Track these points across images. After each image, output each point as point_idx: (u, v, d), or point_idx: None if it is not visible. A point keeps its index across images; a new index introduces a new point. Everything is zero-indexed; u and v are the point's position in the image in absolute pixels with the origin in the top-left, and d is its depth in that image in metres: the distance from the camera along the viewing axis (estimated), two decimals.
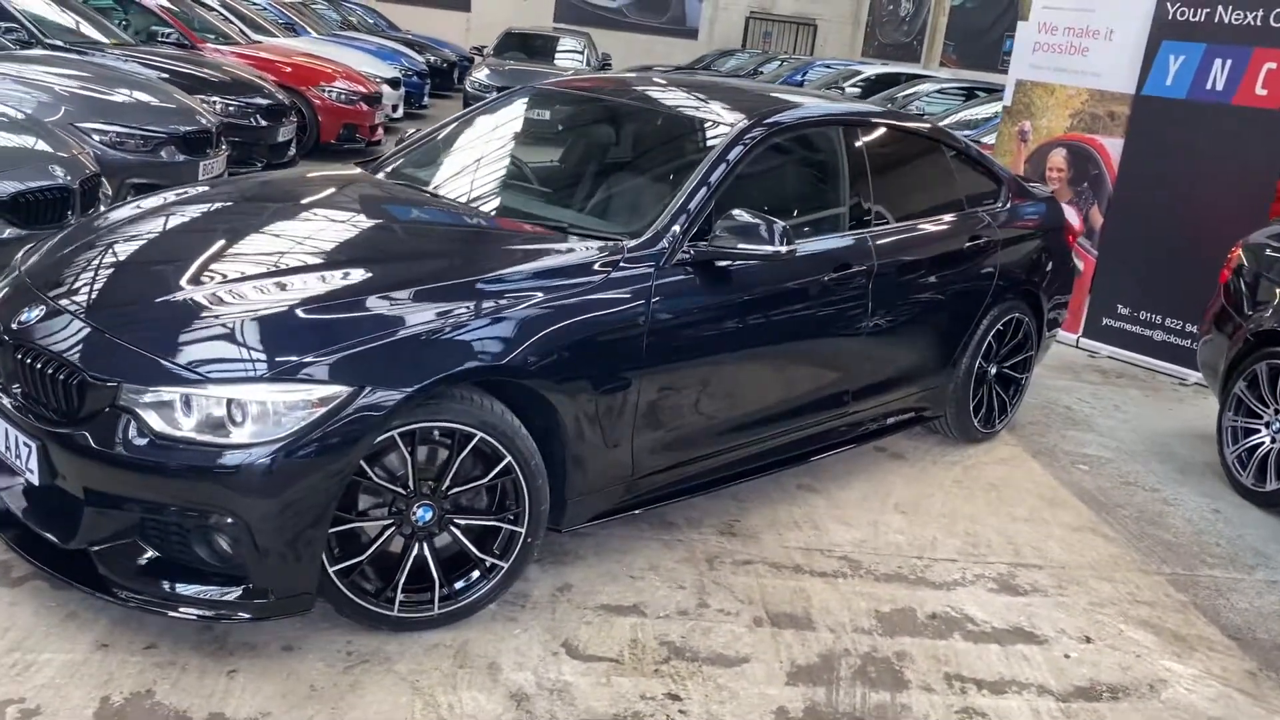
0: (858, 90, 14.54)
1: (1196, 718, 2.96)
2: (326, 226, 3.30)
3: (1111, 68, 6.53)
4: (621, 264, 3.14)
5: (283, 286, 2.77)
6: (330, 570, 2.65)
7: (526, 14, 23.98)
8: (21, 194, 4.35)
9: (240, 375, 2.50)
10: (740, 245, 3.24)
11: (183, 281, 2.81)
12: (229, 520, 2.48)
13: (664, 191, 3.45)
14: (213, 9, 11.72)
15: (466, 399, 2.76)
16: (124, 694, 2.48)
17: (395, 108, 12.46)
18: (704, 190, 3.40)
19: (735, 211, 3.29)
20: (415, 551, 2.78)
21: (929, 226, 4.30)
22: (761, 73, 19.18)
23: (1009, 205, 4.74)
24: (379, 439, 2.61)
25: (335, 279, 2.83)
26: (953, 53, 23.05)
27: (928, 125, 4.78)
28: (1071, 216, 6.57)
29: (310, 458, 2.48)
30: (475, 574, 2.89)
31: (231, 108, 8.10)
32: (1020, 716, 2.86)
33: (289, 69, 10.20)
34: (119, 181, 5.77)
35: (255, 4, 14.04)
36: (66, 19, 8.25)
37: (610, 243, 3.22)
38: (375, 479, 2.68)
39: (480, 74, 13.38)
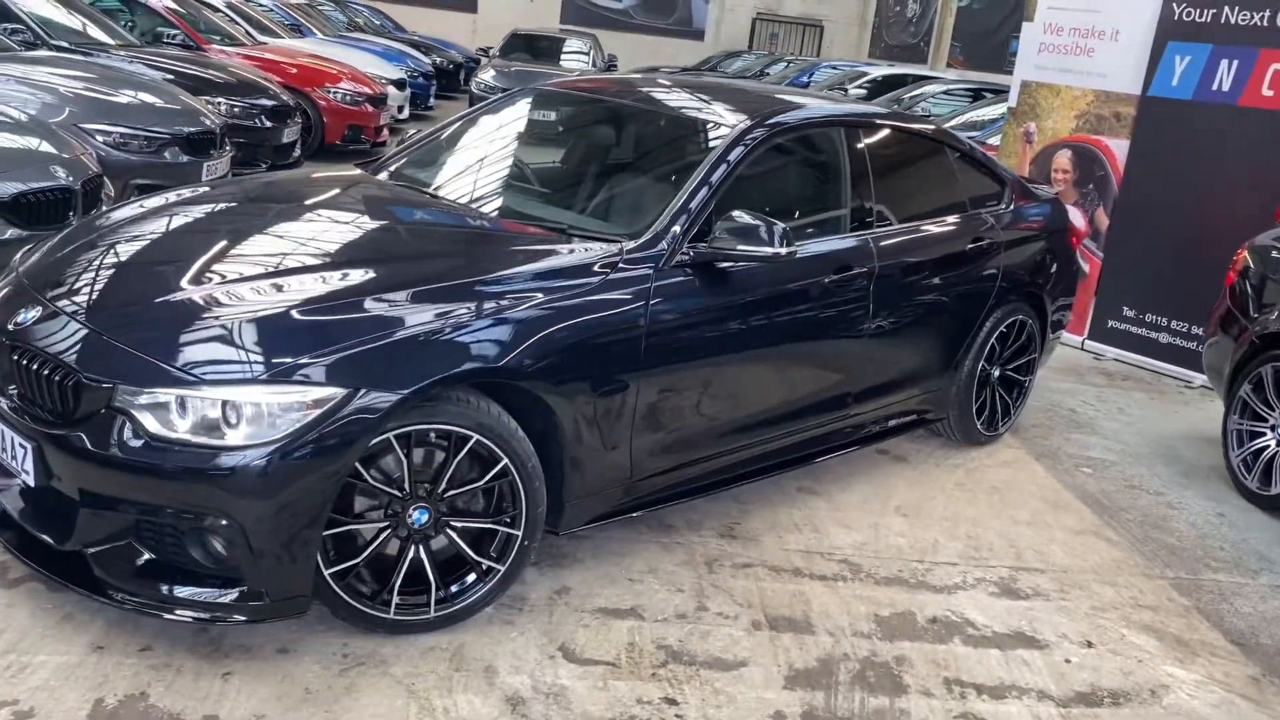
0: (863, 91, 14.50)
1: None
2: (324, 228, 3.30)
3: (1117, 68, 6.49)
4: (620, 265, 3.12)
5: (279, 288, 2.77)
6: (326, 573, 2.64)
7: (533, 15, 23.99)
8: (23, 194, 4.36)
9: (235, 377, 2.49)
10: (740, 247, 3.22)
11: (179, 283, 2.80)
12: (224, 522, 2.47)
13: (664, 193, 3.44)
14: (218, 10, 11.74)
15: (463, 401, 2.75)
16: (118, 696, 2.48)
17: (401, 109, 12.46)
18: (705, 190, 3.39)
19: (735, 213, 3.27)
20: (411, 554, 2.77)
21: (931, 228, 4.28)
22: (768, 74, 19.15)
23: (1012, 207, 4.72)
24: (375, 441, 2.60)
25: (332, 280, 2.82)
26: (959, 54, 22.99)
27: (931, 126, 4.76)
28: (1077, 218, 6.54)
29: (305, 460, 2.48)
30: (472, 577, 2.88)
31: (236, 109, 8.10)
32: None
33: (294, 70, 10.20)
34: (123, 182, 5.77)
35: (261, 5, 14.06)
36: (72, 20, 8.26)
37: (609, 244, 3.20)
38: (371, 481, 2.67)
39: (486, 75, 13.38)
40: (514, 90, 4.56)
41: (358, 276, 2.87)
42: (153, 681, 2.54)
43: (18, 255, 3.25)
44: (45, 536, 2.64)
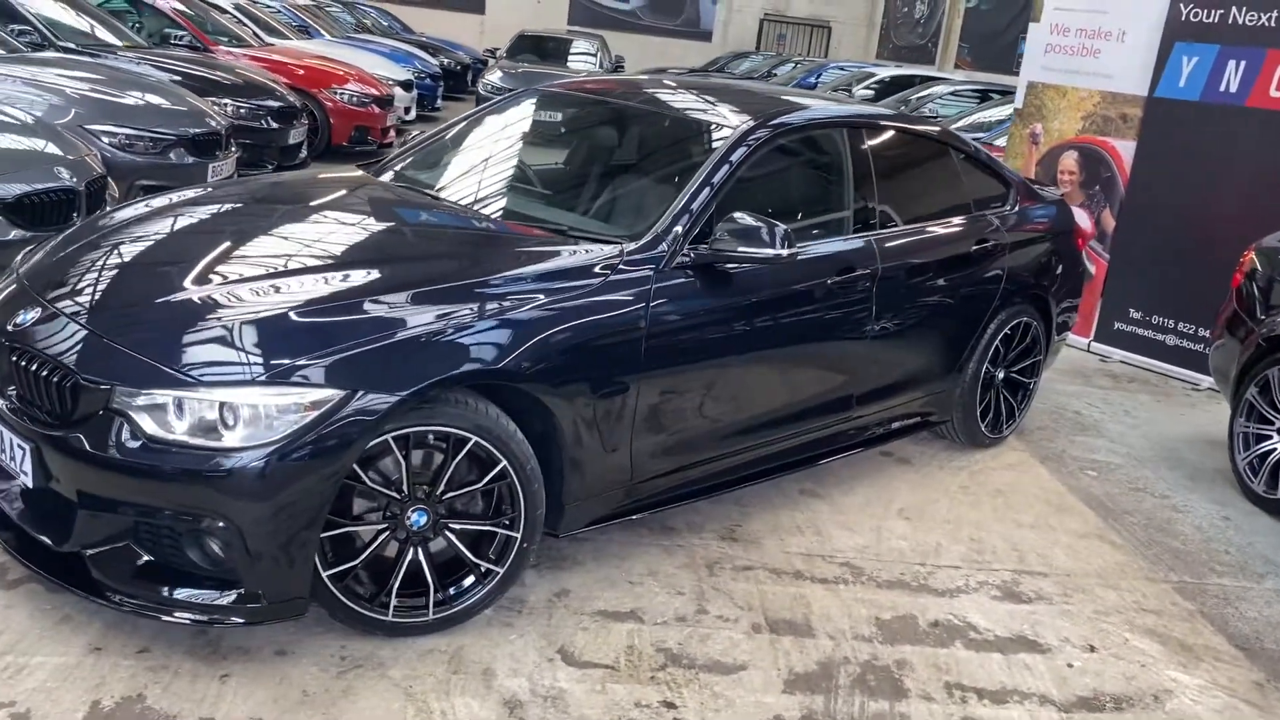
0: (871, 92, 14.47)
1: None
2: (324, 229, 3.29)
3: (1124, 69, 6.47)
4: (620, 267, 3.11)
5: (277, 289, 2.76)
6: (324, 575, 2.64)
7: (541, 16, 24.00)
8: (27, 195, 4.37)
9: (233, 378, 2.49)
10: (741, 248, 3.21)
11: (177, 284, 2.80)
12: (221, 524, 2.47)
13: (664, 194, 3.43)
14: (226, 12, 11.77)
15: (461, 403, 2.74)
16: (115, 698, 2.48)
17: (408, 110, 12.48)
18: (707, 191, 3.38)
19: (736, 214, 3.26)
20: (410, 556, 2.77)
21: (935, 229, 4.26)
22: (775, 75, 19.13)
23: (1017, 208, 4.70)
24: (373, 443, 2.60)
25: (330, 282, 2.82)
26: (967, 55, 22.95)
27: (935, 128, 4.75)
28: (1083, 220, 6.52)
29: (303, 461, 2.47)
30: (470, 579, 2.87)
31: (242, 110, 8.12)
32: None
33: (301, 71, 10.22)
34: (128, 184, 5.79)
35: (269, 7, 14.09)
36: (79, 22, 8.29)
37: (610, 246, 3.19)
38: (369, 483, 2.67)
39: (493, 76, 13.38)
40: (516, 91, 4.55)
41: (356, 278, 2.87)
42: (150, 683, 2.54)
43: (19, 256, 3.26)
44: (44, 538, 2.64)
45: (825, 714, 2.76)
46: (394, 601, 2.76)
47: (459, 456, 2.74)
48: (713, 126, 3.73)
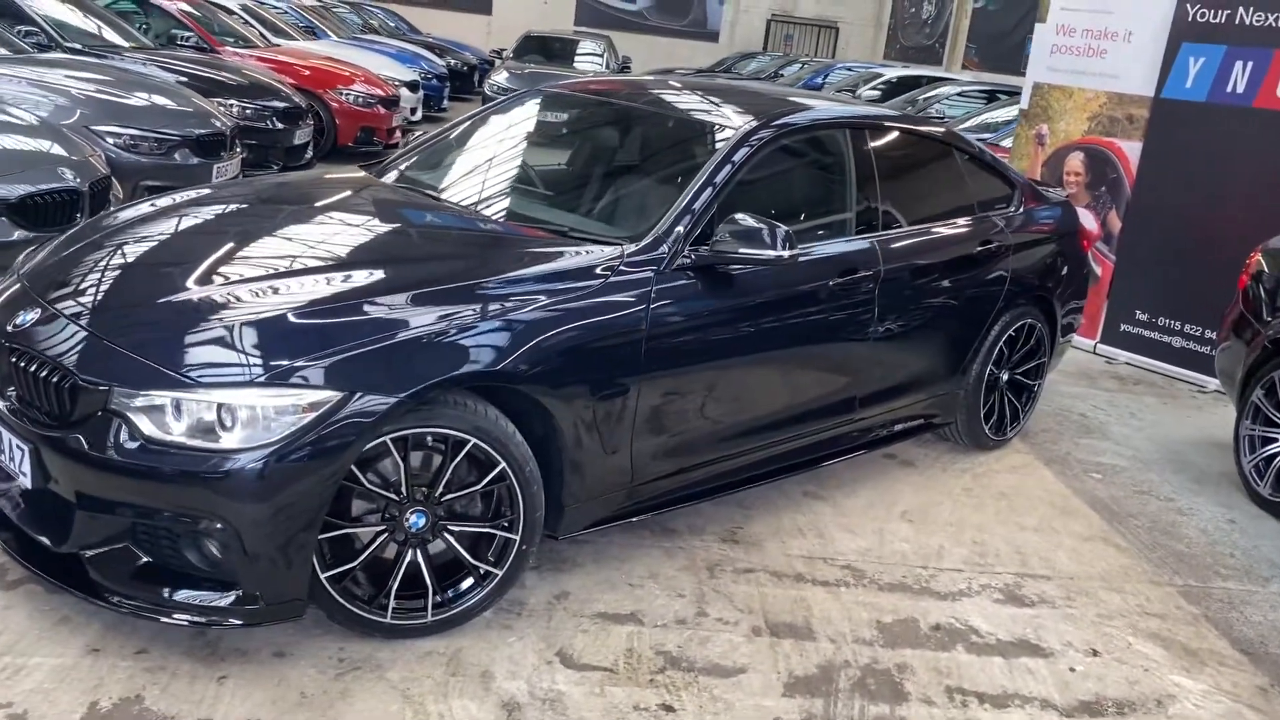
0: (878, 93, 14.44)
1: None
2: (324, 230, 3.29)
3: (1130, 70, 6.44)
4: (621, 268, 3.10)
5: (275, 290, 2.76)
6: (322, 576, 2.63)
7: (547, 17, 24.02)
8: (30, 196, 4.38)
9: (230, 379, 2.49)
10: (742, 249, 3.20)
11: (176, 285, 2.80)
12: (218, 525, 2.46)
13: (666, 195, 3.42)
14: (233, 13, 11.79)
15: (460, 404, 2.74)
16: (112, 699, 2.47)
17: (414, 111, 12.50)
18: (708, 191, 3.37)
19: (738, 215, 3.24)
20: (408, 558, 2.76)
21: (938, 231, 4.25)
22: (782, 75, 19.11)
23: (1022, 210, 4.68)
24: (371, 444, 2.59)
25: (328, 283, 2.81)
26: (975, 55, 22.89)
27: (939, 129, 4.73)
28: (1089, 221, 6.50)
29: (301, 463, 2.47)
30: (469, 581, 2.87)
31: (248, 111, 8.14)
32: None
33: (307, 72, 10.25)
34: (132, 184, 5.80)
35: (275, 8, 14.12)
36: (86, 23, 8.31)
37: (611, 247, 3.19)
38: (368, 485, 2.66)
39: (499, 77, 13.39)
40: (519, 92, 4.54)
41: (355, 279, 2.86)
42: (148, 684, 2.54)
43: (21, 256, 3.27)
44: (43, 538, 2.64)
45: (825, 717, 2.74)
46: (392, 603, 2.75)
47: (458, 458, 2.74)
48: (715, 127, 3.72)
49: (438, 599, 2.81)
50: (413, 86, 12.54)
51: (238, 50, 10.34)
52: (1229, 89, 5.92)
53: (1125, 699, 3.00)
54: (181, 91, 7.01)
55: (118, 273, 2.96)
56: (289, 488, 2.47)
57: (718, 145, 3.58)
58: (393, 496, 2.71)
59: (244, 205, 3.58)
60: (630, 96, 4.15)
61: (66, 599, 2.75)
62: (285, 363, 2.52)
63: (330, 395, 2.50)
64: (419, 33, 20.21)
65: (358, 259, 3.07)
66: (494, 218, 3.57)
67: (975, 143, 4.87)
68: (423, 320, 2.70)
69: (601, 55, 15.26)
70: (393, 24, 19.88)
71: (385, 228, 3.44)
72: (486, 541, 2.89)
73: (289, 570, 2.54)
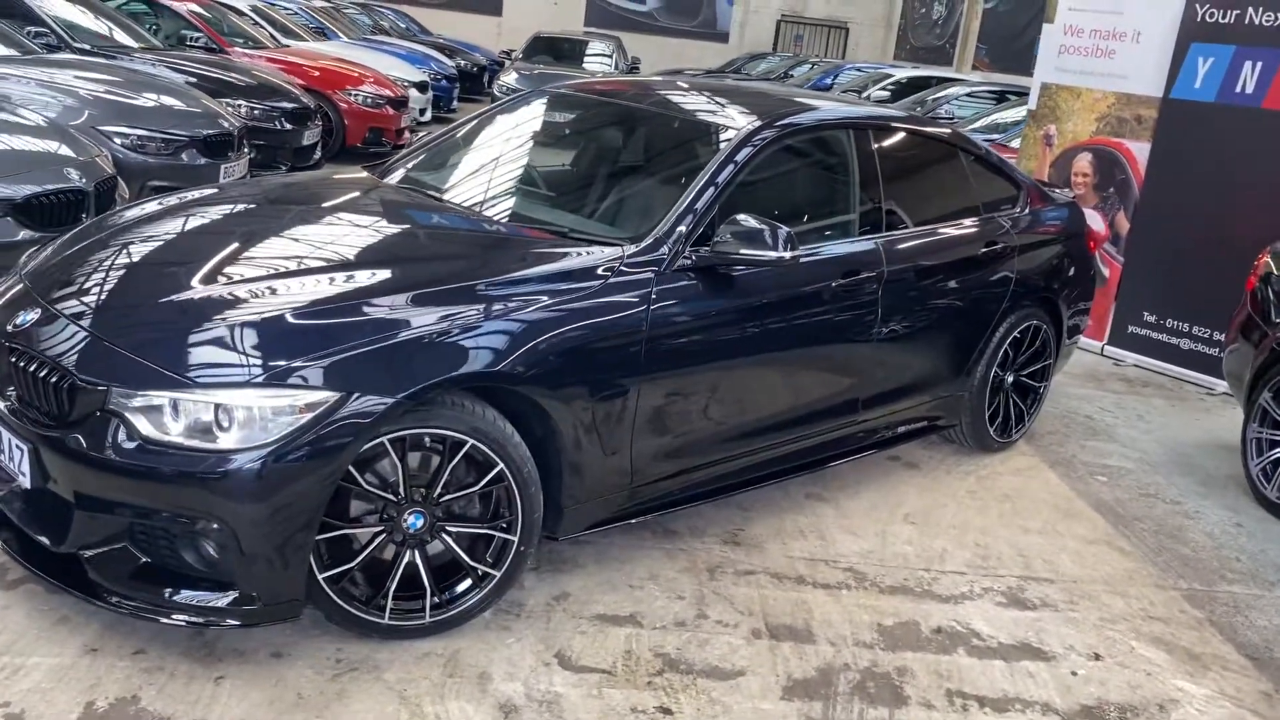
0: (887, 94, 14.41)
1: None
2: (324, 230, 3.29)
3: (1139, 70, 6.40)
4: (621, 269, 3.10)
5: (273, 291, 2.76)
6: (320, 577, 2.63)
7: (557, 18, 24.03)
8: (36, 196, 4.39)
9: (228, 380, 2.49)
10: (743, 250, 3.18)
11: (175, 285, 2.80)
12: (215, 526, 2.47)
13: (666, 196, 3.41)
14: (243, 14, 11.83)
15: (458, 405, 2.73)
16: (109, 699, 2.48)
17: (423, 111, 12.51)
18: (710, 191, 3.36)
19: (739, 216, 3.23)
20: (406, 559, 2.76)
21: (942, 232, 4.23)
22: (792, 76, 19.07)
23: (1028, 211, 4.65)
24: (368, 445, 2.59)
25: (326, 284, 2.81)
26: (985, 56, 22.82)
27: (945, 130, 4.71)
28: (1097, 222, 6.46)
29: (298, 463, 2.47)
30: (467, 582, 2.86)
31: (256, 111, 8.16)
32: None
33: (316, 73, 10.27)
34: (139, 184, 5.82)
35: (286, 9, 14.16)
36: (96, 24, 8.35)
37: (611, 248, 3.18)
38: (366, 486, 2.66)
39: (508, 78, 13.39)
40: (523, 93, 4.54)
41: (354, 280, 2.86)
42: (145, 685, 2.54)
43: (24, 256, 3.28)
44: (42, 538, 2.65)
45: None
46: (390, 604, 2.75)
47: (456, 459, 2.74)
48: (719, 127, 3.71)
49: (436, 600, 2.81)
50: (422, 87, 12.57)
51: (247, 51, 10.37)
52: (1238, 89, 5.89)
53: (1127, 703, 2.98)
54: (189, 92, 7.03)
55: (118, 273, 2.97)
56: (286, 488, 2.47)
57: (721, 145, 3.57)
58: (391, 497, 2.71)
59: (243, 206, 3.58)
60: (634, 97, 4.14)
61: (65, 599, 2.75)
62: (283, 363, 2.52)
63: (328, 396, 2.50)
64: (429, 34, 20.25)
65: (358, 259, 3.06)
66: (495, 218, 3.56)
67: (981, 143, 4.85)
68: (421, 321, 2.70)
69: (611, 56, 15.27)
70: (403, 25, 19.92)
71: (386, 228, 3.43)
72: (485, 543, 2.89)
73: (286, 571, 2.54)
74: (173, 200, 3.57)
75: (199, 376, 2.49)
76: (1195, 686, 3.11)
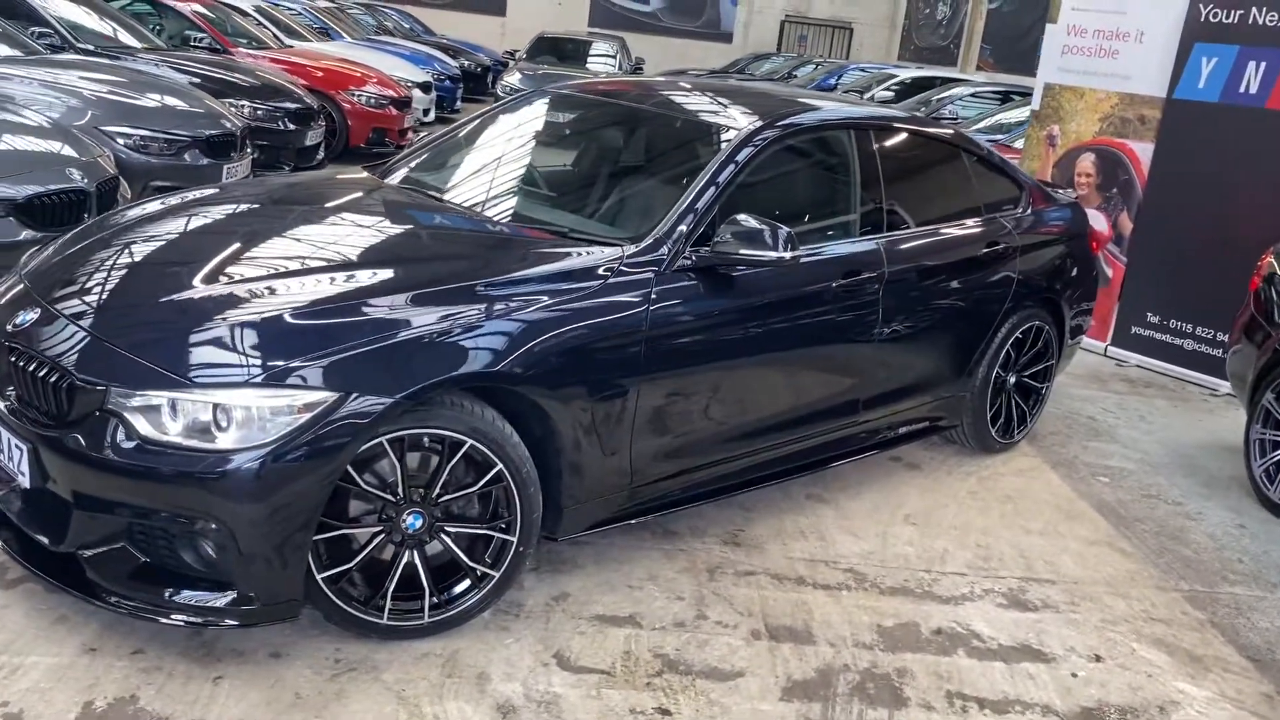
0: (891, 94, 14.39)
1: None
2: (324, 230, 3.29)
3: (1142, 70, 6.39)
4: (621, 269, 3.09)
5: (272, 291, 2.76)
6: (319, 577, 2.63)
7: (561, 18, 24.03)
8: (37, 196, 4.40)
9: (226, 380, 2.49)
10: (743, 250, 3.18)
11: (175, 285, 2.81)
12: (214, 526, 2.47)
13: (667, 196, 3.40)
14: (247, 15, 11.84)
15: (457, 405, 2.73)
16: (108, 699, 2.48)
17: (426, 112, 12.52)
18: (711, 191, 3.35)
19: (739, 216, 3.23)
20: (405, 559, 2.76)
21: (944, 232, 4.22)
22: (796, 76, 19.05)
23: (1030, 211, 4.65)
24: (367, 445, 2.59)
25: (326, 284, 2.81)
26: (989, 56, 22.77)
27: (947, 130, 4.70)
28: (1100, 223, 6.45)
29: (296, 463, 2.47)
30: (466, 583, 2.86)
31: (259, 111, 8.17)
32: None
33: (319, 73, 10.28)
34: (141, 184, 5.82)
35: (290, 9, 14.17)
36: (100, 25, 8.36)
37: (611, 248, 3.17)
38: (364, 486, 2.66)
39: (512, 78, 13.39)
40: (524, 93, 4.54)
41: (354, 280, 2.86)
42: (143, 685, 2.54)
43: (24, 256, 3.28)
44: (41, 538, 2.65)
45: None
46: (389, 604, 2.75)
47: (455, 459, 2.73)
48: (720, 127, 3.70)
49: (434, 600, 2.81)
50: (425, 88, 12.57)
51: (251, 51, 10.38)
52: (1242, 89, 5.87)
53: (1128, 705, 2.97)
54: (193, 92, 7.04)
55: (119, 272, 2.97)
56: (284, 488, 2.47)
57: (722, 145, 3.57)
58: (389, 497, 2.71)
59: (245, 206, 3.59)
60: (635, 97, 4.14)
61: (64, 598, 2.75)
62: (282, 363, 2.52)
63: (326, 396, 2.50)
64: (433, 34, 20.26)
65: (357, 259, 3.05)
66: (496, 218, 3.56)
67: (983, 144, 4.84)
68: (420, 321, 2.70)
69: (614, 56, 15.26)
70: (407, 25, 19.92)
71: (386, 228, 3.43)
72: (484, 543, 2.88)
73: (284, 571, 2.54)
74: (174, 200, 3.57)
75: (198, 376, 2.49)
76: (1196, 688, 3.10)
